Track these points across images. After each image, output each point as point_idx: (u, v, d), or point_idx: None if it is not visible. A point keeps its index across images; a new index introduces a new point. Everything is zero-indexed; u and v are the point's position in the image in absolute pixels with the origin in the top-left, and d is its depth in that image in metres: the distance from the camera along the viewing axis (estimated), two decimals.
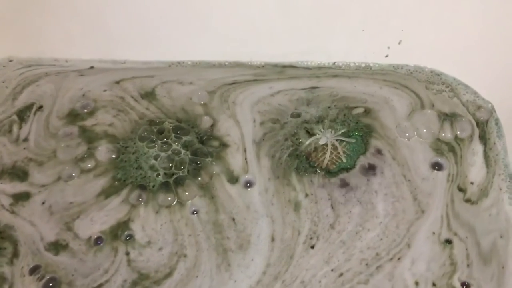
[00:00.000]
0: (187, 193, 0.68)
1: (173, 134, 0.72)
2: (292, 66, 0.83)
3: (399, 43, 0.79)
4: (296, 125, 0.74)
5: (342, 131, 0.71)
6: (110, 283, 0.63)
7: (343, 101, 0.78)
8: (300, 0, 0.77)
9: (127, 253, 0.65)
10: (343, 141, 0.70)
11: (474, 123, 0.76)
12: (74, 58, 0.86)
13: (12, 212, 0.69)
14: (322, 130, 0.70)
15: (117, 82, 0.84)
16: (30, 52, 0.86)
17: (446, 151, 0.73)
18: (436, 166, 0.71)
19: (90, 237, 0.66)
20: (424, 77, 0.81)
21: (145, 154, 0.71)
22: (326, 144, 0.69)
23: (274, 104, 0.80)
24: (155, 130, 0.72)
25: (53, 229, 0.68)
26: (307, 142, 0.69)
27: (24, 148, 0.75)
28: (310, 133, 0.70)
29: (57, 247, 0.66)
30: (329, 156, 0.68)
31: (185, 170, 0.69)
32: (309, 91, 0.81)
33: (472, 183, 0.72)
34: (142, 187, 0.67)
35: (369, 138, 0.72)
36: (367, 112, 0.76)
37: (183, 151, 0.71)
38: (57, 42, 0.85)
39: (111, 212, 0.68)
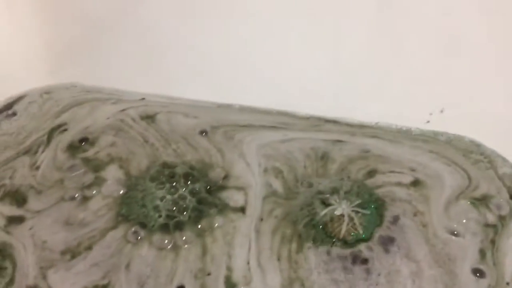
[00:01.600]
0: (184, 238, 0.66)
1: (182, 180, 0.71)
2: (334, 121, 0.82)
3: (441, 111, 0.77)
4: (311, 195, 0.70)
5: (357, 202, 0.68)
6: None
7: (378, 161, 0.75)
8: (350, 56, 0.76)
9: None
10: (359, 212, 0.67)
11: (508, 197, 0.71)
12: (131, 90, 0.88)
13: (8, 232, 0.68)
14: (337, 200, 0.67)
15: (122, 110, 0.85)
16: (94, 80, 0.89)
17: (488, 243, 0.67)
18: (477, 273, 0.65)
19: None
20: (463, 146, 0.78)
21: (152, 194, 0.70)
22: (342, 215, 0.66)
23: (281, 150, 0.77)
24: (166, 173, 0.72)
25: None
26: (323, 212, 0.66)
27: (33, 176, 0.75)
28: (325, 204, 0.68)
29: None
30: (346, 227, 0.65)
31: (187, 215, 0.68)
32: (331, 143, 0.78)
33: (507, 283, 0.64)
34: (142, 225, 0.66)
35: (384, 210, 0.68)
36: (416, 183, 0.72)
37: (189, 197, 0.70)
38: (119, 73, 0.87)
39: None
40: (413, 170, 0.73)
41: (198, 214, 0.68)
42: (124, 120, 0.83)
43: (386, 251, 0.65)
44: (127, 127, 0.82)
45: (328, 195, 0.69)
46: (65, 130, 0.82)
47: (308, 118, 0.82)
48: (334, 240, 0.64)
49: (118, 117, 0.84)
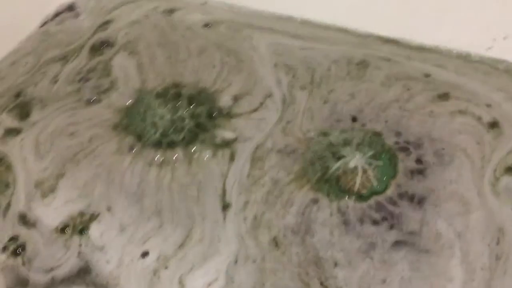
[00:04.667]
0: (175, 157, 0.58)
1: (185, 101, 0.62)
2: (394, 41, 0.69)
3: (504, 38, 0.66)
4: (322, 148, 0.58)
5: (370, 153, 0.56)
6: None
7: (446, 86, 0.62)
8: None
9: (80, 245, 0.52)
10: (372, 163, 0.55)
11: None
12: None
13: (3, 142, 0.61)
14: (350, 152, 0.57)
15: (155, 7, 0.77)
16: None
17: None
18: None
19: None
20: None
21: (154, 110, 0.62)
22: (355, 167, 0.55)
23: (298, 55, 0.67)
24: (172, 92, 0.64)
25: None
26: (336, 166, 0.56)
27: (48, 89, 0.66)
28: (337, 156, 0.57)
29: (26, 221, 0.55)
30: (360, 179, 0.55)
31: (181, 136, 0.59)
32: (377, 58, 0.66)
33: None
34: (138, 138, 0.60)
35: (397, 160, 0.56)
36: (494, 125, 0.58)
37: (187, 120, 0.61)
38: None
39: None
40: (488, 106, 0.60)
41: (193, 137, 0.59)
42: (148, 15, 0.76)
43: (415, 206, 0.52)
44: (145, 18, 0.75)
45: (339, 147, 0.57)
46: (106, 29, 0.73)
47: (368, 36, 0.69)
48: (348, 194, 0.54)
49: (146, 14, 0.76)
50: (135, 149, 0.58)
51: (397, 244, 0.49)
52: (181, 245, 0.51)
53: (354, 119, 0.59)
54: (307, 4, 0.73)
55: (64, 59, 0.69)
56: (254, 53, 0.68)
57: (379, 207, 0.52)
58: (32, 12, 0.76)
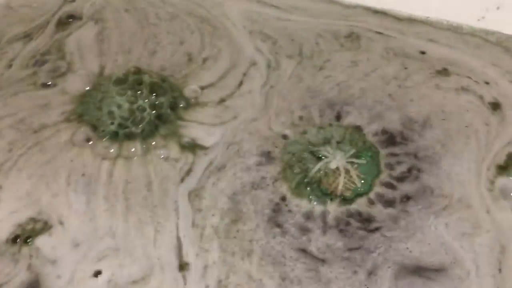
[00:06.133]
0: (133, 150, 0.49)
1: (147, 90, 0.53)
2: (382, 13, 0.63)
3: (497, 8, 0.61)
4: (300, 149, 0.50)
5: (352, 152, 0.49)
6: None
7: (443, 62, 0.56)
8: None
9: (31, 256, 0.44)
10: (354, 163, 0.48)
11: None
12: None
13: None
14: (330, 152, 0.49)
15: None
16: None
17: None
18: None
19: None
20: None
21: (112, 98, 0.52)
22: (337, 168, 0.48)
23: (276, 25, 0.60)
24: (133, 78, 0.54)
25: None
26: (316, 168, 0.48)
27: (1, 74, 0.55)
28: (317, 157, 0.49)
29: None
30: (343, 181, 0.47)
31: (140, 128, 0.50)
32: (367, 30, 0.60)
33: None
34: (94, 128, 0.51)
35: (380, 158, 0.49)
36: (496, 107, 0.52)
37: (148, 110, 0.51)
38: None
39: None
40: (487, 83, 0.55)
41: (153, 130, 0.51)
42: None
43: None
44: None
45: (319, 147, 0.50)
46: (73, 1, 0.62)
47: (354, 7, 0.63)
48: (331, 197, 0.47)
49: None
50: (90, 140, 0.49)
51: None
52: (135, 283, 0.42)
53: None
54: None
55: (28, 36, 0.58)
56: (226, 20, 0.61)
57: (362, 212, 0.45)
58: None
